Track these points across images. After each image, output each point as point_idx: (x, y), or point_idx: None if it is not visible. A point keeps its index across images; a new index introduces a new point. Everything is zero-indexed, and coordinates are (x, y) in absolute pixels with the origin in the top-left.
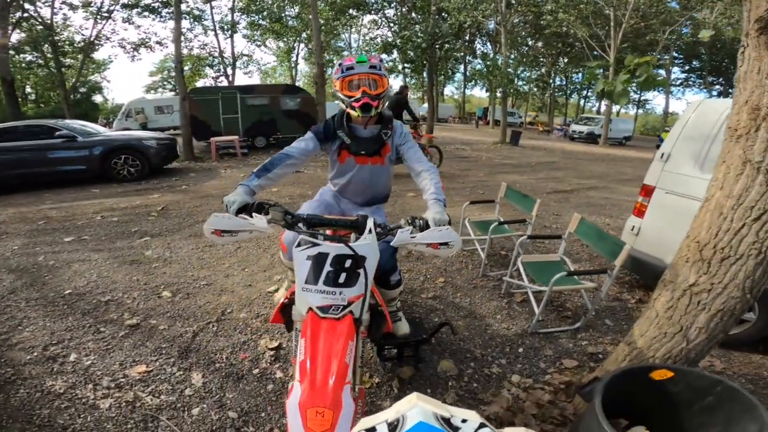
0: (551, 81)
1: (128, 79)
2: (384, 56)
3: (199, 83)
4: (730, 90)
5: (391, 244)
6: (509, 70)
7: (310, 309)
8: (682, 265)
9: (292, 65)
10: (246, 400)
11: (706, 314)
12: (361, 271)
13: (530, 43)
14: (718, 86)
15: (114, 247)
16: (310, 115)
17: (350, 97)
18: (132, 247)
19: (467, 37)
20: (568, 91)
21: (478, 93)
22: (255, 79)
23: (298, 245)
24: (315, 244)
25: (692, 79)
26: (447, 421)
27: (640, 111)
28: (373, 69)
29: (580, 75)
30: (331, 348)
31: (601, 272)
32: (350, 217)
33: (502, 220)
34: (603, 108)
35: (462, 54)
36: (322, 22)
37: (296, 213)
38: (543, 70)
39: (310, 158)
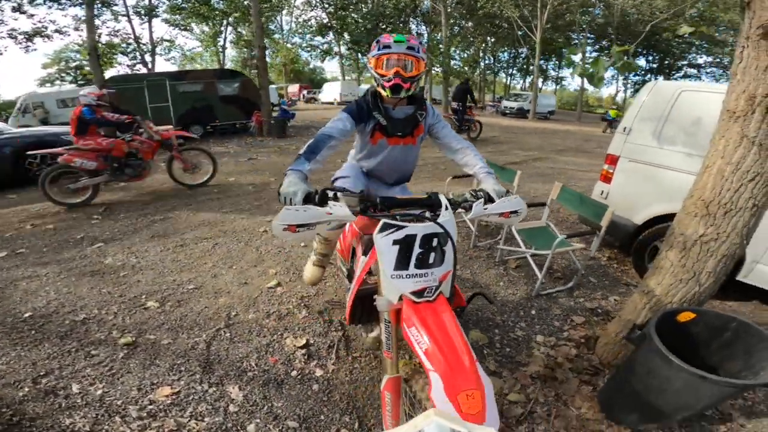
0: (480, 60)
1: (18, 71)
2: (319, 39)
3: (111, 72)
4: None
5: (468, 217)
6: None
7: (402, 296)
8: (690, 220)
9: (220, 50)
10: (298, 406)
11: (714, 260)
12: (447, 248)
13: (462, 23)
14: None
15: (62, 258)
16: (251, 100)
17: (383, 76)
18: (85, 257)
19: (402, 18)
20: (496, 70)
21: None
22: (177, 67)
23: (381, 231)
24: (400, 227)
25: (602, 56)
26: None
27: (558, 87)
28: (410, 50)
29: (506, 54)
30: (446, 330)
31: (591, 233)
32: (421, 195)
33: None
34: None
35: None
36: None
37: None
38: (472, 50)
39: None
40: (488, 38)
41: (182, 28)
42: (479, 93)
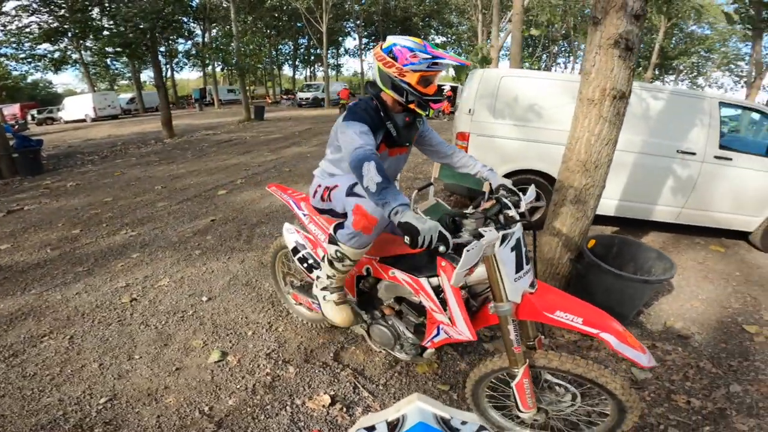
0: (267, 54)
1: None
2: (47, 46)
3: None
4: None
5: (522, 211)
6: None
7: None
8: (574, 176)
9: None
10: None
11: (593, 200)
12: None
13: (246, 18)
14: None
15: None
16: None
17: (424, 94)
18: None
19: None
20: (279, 63)
21: (185, 75)
22: None
23: (501, 243)
24: (508, 235)
25: (371, 44)
26: (446, 423)
27: (337, 73)
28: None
29: (287, 46)
30: (571, 300)
31: (478, 199)
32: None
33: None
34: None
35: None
36: None
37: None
38: (252, 45)
39: None
40: (270, 31)
41: None
42: (265, 86)
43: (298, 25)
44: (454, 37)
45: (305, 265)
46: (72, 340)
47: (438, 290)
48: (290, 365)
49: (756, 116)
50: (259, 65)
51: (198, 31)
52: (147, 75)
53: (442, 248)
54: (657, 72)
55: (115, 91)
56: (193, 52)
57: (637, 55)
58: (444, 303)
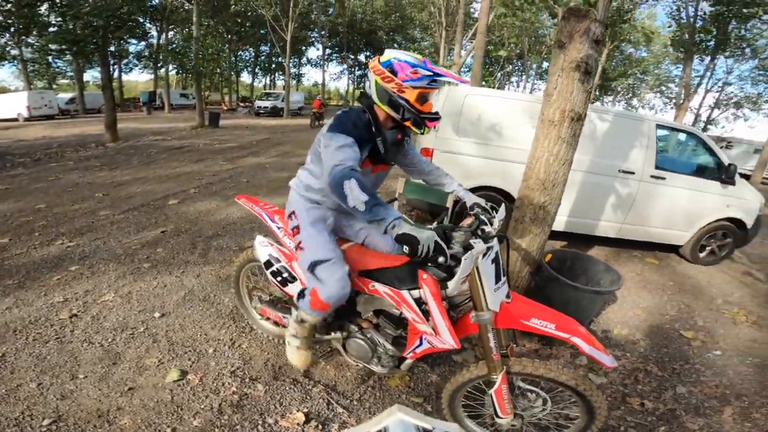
0: (227, 59)
1: None
2: None
3: None
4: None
5: (494, 228)
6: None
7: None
8: (534, 194)
9: None
10: None
11: (550, 217)
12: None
13: (209, 22)
14: (351, 60)
15: None
16: None
17: (421, 111)
18: None
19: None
20: (239, 69)
21: (134, 77)
22: None
23: (484, 256)
24: (490, 248)
25: (334, 55)
26: None
27: (297, 83)
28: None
29: (248, 52)
30: (543, 309)
31: (441, 214)
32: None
33: None
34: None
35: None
36: None
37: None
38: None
39: None
40: (231, 36)
41: None
42: (221, 93)
43: (262, 32)
44: (416, 53)
45: (279, 279)
46: (3, 359)
47: (419, 302)
48: (258, 383)
49: (687, 138)
50: (218, 70)
51: (154, 33)
52: (91, 75)
53: (441, 259)
54: (598, 93)
55: (53, 90)
56: (146, 53)
57: (593, 79)
58: (426, 314)
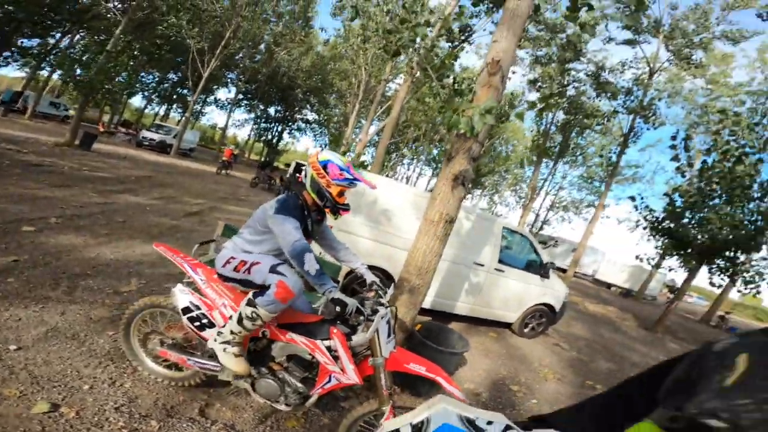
0: (133, 80)
1: None
2: None
3: None
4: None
5: (385, 300)
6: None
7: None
8: (411, 277)
9: None
10: None
11: (421, 296)
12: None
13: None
14: (260, 110)
15: None
16: None
17: (338, 203)
18: None
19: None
20: (134, 90)
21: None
22: None
23: (382, 319)
24: (385, 313)
25: (244, 101)
26: (472, 423)
27: (196, 121)
28: None
29: (152, 76)
30: (416, 357)
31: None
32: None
33: None
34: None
35: None
36: None
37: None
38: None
39: None
40: (141, 56)
41: None
42: (99, 112)
43: (178, 59)
44: (326, 118)
45: (196, 324)
46: None
47: (329, 349)
48: (151, 419)
49: (521, 239)
50: (108, 86)
51: (57, 34)
52: None
53: (362, 318)
54: (470, 186)
55: None
56: (35, 50)
57: (467, 189)
58: (335, 358)
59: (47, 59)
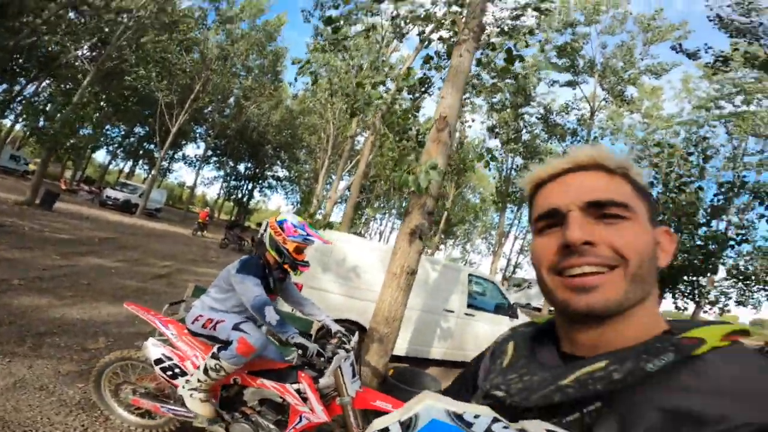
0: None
1: None
2: None
3: None
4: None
5: (351, 346)
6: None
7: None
8: (380, 326)
9: None
10: None
11: (391, 344)
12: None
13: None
14: (230, 167)
15: None
16: None
17: (296, 259)
18: None
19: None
20: (98, 145)
21: None
22: None
23: (345, 361)
24: (348, 356)
25: (213, 157)
26: (460, 417)
27: (163, 179)
28: None
29: (118, 129)
30: (383, 396)
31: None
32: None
33: None
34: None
35: None
36: None
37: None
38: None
39: None
40: (107, 108)
41: None
42: (62, 167)
43: (145, 112)
44: (296, 175)
45: (169, 373)
46: None
47: (299, 392)
48: None
49: (487, 284)
50: (72, 141)
51: (22, 80)
52: None
53: (323, 359)
54: (443, 236)
55: None
56: None
57: (425, 242)
58: (305, 399)
59: (10, 107)
